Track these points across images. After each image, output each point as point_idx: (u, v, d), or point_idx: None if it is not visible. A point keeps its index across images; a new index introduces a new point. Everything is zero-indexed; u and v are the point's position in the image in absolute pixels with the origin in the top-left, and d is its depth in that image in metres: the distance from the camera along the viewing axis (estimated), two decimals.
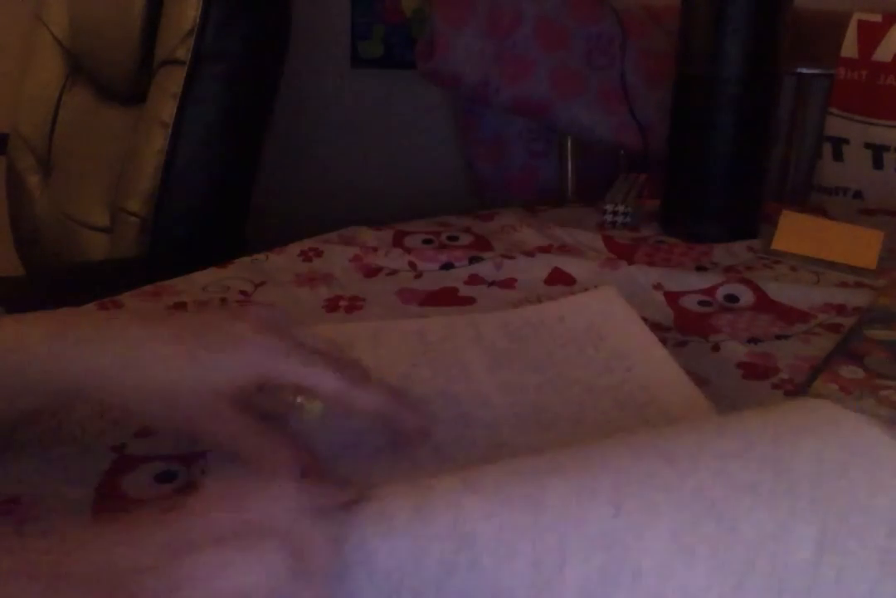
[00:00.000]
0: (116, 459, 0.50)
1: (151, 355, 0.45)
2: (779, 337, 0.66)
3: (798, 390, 0.57)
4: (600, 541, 0.35)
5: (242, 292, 0.72)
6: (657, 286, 0.74)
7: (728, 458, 0.38)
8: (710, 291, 0.74)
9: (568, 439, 0.51)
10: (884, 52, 1.08)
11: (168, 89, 1.08)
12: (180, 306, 0.69)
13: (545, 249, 0.82)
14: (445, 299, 0.72)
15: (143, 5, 1.13)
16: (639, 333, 0.63)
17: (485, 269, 0.77)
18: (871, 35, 1.09)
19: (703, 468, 0.38)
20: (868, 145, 1.11)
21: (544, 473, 0.39)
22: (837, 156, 1.14)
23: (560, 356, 0.60)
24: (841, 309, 0.70)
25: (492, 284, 0.75)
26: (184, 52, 1.06)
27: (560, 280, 0.76)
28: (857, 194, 1.13)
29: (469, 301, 0.72)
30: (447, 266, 0.78)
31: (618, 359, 0.60)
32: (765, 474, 0.37)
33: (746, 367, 0.61)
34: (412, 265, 0.78)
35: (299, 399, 0.48)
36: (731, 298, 0.73)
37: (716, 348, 0.64)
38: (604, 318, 0.65)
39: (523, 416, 0.53)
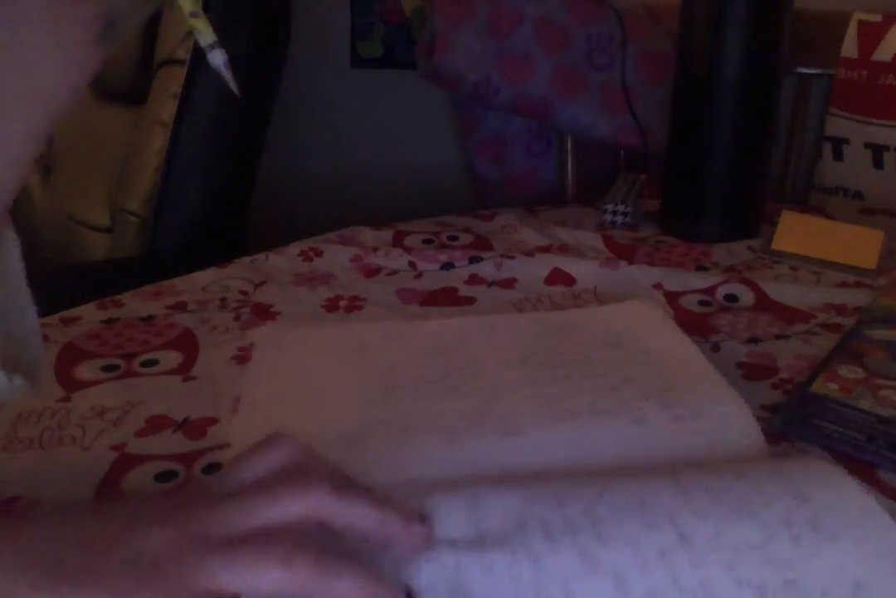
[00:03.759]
0: (116, 459, 0.50)
1: None
2: (779, 337, 0.66)
3: (797, 389, 0.57)
4: None
5: (242, 292, 0.72)
6: (657, 286, 0.74)
7: (743, 552, 0.38)
8: (710, 290, 0.74)
9: (585, 430, 0.51)
10: (884, 52, 1.08)
11: (168, 89, 1.08)
12: (180, 306, 0.69)
13: (545, 249, 0.82)
14: (445, 298, 0.72)
15: None
16: (672, 334, 0.63)
17: (485, 269, 0.77)
18: (871, 35, 1.09)
19: (719, 556, 0.37)
20: (868, 145, 1.10)
21: (554, 529, 0.38)
22: (837, 156, 1.13)
23: (583, 353, 0.60)
24: (841, 309, 0.70)
25: (492, 284, 0.75)
26: (184, 52, 1.06)
27: (560, 280, 0.76)
28: (857, 194, 1.12)
29: (469, 301, 0.72)
30: (447, 266, 0.78)
31: (644, 354, 0.59)
32: (774, 578, 0.37)
33: (746, 367, 0.61)
34: (412, 265, 0.78)
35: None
36: (731, 297, 0.73)
37: (716, 347, 0.64)
38: (634, 322, 0.65)
39: (539, 406, 0.53)
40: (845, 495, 0.42)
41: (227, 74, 0.40)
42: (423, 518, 0.38)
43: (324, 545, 0.36)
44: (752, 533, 0.38)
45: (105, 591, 0.31)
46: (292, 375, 0.59)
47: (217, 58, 0.39)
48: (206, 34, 0.39)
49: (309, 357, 0.61)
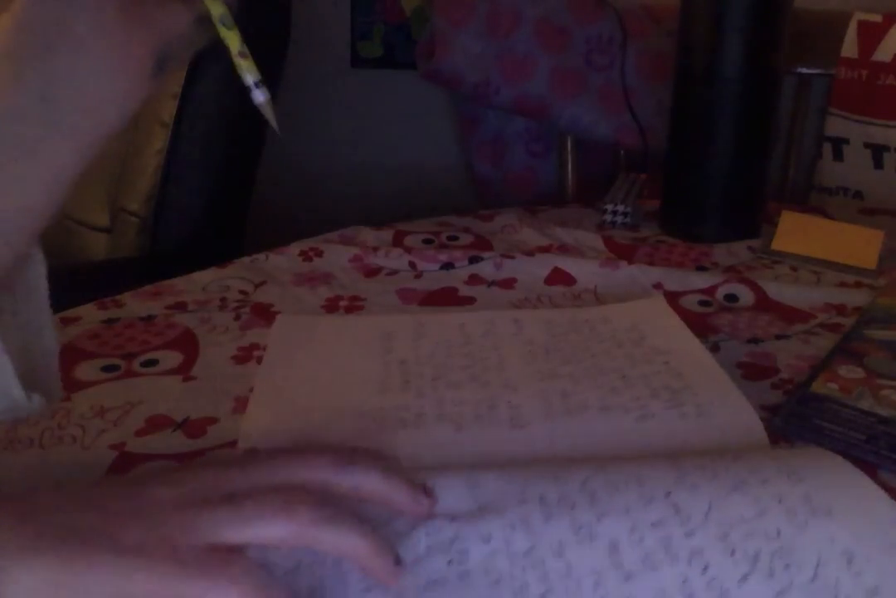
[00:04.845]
0: (116, 458, 0.50)
1: None
2: (779, 337, 0.66)
3: (797, 389, 0.57)
4: (589, 579, 0.36)
5: (242, 292, 0.72)
6: (657, 286, 0.74)
7: (736, 524, 0.38)
8: (710, 290, 0.74)
9: (592, 425, 0.52)
10: (884, 52, 1.08)
11: (168, 89, 1.08)
12: (180, 306, 0.69)
13: (545, 249, 0.82)
14: (445, 298, 0.72)
15: None
16: (682, 335, 0.63)
17: (485, 269, 0.77)
18: (871, 35, 1.09)
19: (712, 528, 0.38)
20: (868, 145, 1.11)
21: (552, 504, 0.39)
22: (837, 156, 1.14)
23: (597, 350, 0.61)
24: (841, 309, 0.70)
25: (492, 284, 0.75)
26: None
27: (560, 280, 0.76)
28: (857, 194, 1.12)
29: (469, 301, 0.72)
30: (447, 266, 0.78)
31: (657, 353, 0.60)
32: (768, 547, 0.37)
33: (746, 367, 0.61)
34: (412, 265, 0.78)
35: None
36: (731, 297, 0.73)
37: (715, 347, 0.64)
38: (648, 321, 0.65)
39: (550, 400, 0.54)
40: (840, 475, 0.42)
41: (269, 113, 0.41)
42: (429, 491, 0.39)
43: (325, 498, 0.36)
44: (746, 507, 0.39)
45: (111, 550, 0.32)
46: (313, 360, 0.60)
47: (260, 96, 0.40)
48: (250, 74, 0.40)
49: (332, 344, 0.63)
